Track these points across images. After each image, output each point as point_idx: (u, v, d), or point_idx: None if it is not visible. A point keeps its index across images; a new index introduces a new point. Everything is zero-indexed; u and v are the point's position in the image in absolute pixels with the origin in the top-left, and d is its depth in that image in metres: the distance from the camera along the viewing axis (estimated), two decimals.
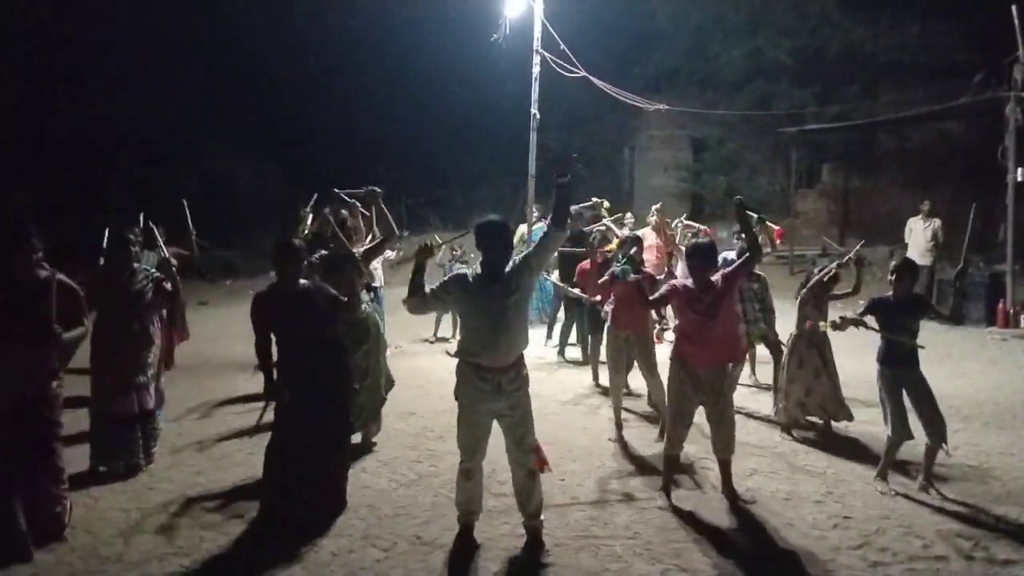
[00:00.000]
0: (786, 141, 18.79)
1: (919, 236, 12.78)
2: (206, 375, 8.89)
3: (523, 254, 4.29)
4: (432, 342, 11.07)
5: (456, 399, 4.31)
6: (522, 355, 4.29)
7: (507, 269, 4.17)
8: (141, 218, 7.02)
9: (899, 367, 5.13)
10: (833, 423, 6.46)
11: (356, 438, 6.04)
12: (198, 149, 22.76)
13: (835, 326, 5.21)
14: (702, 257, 4.98)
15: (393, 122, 24.58)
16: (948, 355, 9.93)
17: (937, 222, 12.73)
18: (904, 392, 5.12)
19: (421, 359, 9.86)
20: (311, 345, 4.70)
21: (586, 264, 8.20)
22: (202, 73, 22.36)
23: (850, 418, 6.35)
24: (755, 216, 6.68)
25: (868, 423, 6.45)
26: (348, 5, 22.97)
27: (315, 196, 7.25)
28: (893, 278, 5.26)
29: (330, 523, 4.65)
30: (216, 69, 22.48)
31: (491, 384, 4.15)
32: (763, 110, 18.74)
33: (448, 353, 10.68)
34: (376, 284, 10.26)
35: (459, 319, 4.38)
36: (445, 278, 4.34)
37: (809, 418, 6.53)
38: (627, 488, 5.29)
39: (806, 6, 19.48)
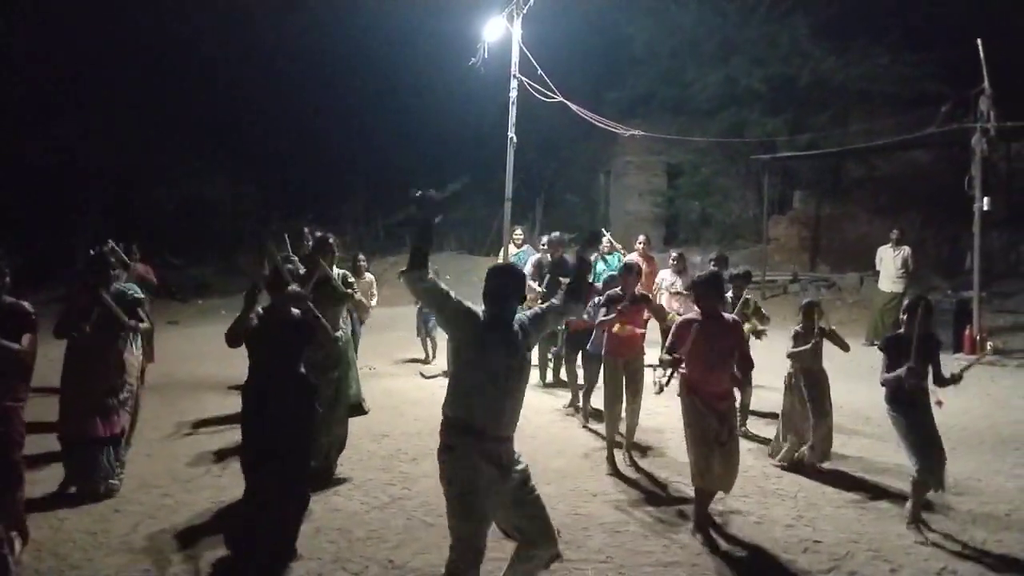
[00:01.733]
0: (758, 168, 19.03)
1: (889, 264, 12.98)
2: (176, 396, 8.77)
3: (526, 318, 3.61)
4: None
5: (447, 485, 3.39)
6: None
7: (514, 325, 3.52)
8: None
9: (908, 407, 5.04)
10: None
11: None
12: (174, 168, 22.65)
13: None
14: (712, 288, 4.98)
15: (370, 142, 24.59)
16: None
17: (907, 250, 12.94)
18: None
19: (395, 380, 9.81)
20: (285, 374, 4.57)
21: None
22: (178, 92, 22.24)
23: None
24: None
25: (838, 447, 6.52)
26: (325, 26, 23.04)
27: None
28: (905, 317, 5.13)
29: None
30: (192, 88, 22.37)
31: (494, 461, 3.35)
32: (736, 137, 18.98)
33: (423, 375, 10.65)
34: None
35: (455, 368, 3.65)
36: (465, 304, 3.50)
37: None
38: (600, 511, 5.29)
39: (778, 35, 19.82)
